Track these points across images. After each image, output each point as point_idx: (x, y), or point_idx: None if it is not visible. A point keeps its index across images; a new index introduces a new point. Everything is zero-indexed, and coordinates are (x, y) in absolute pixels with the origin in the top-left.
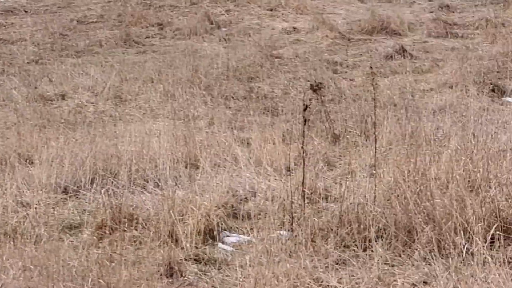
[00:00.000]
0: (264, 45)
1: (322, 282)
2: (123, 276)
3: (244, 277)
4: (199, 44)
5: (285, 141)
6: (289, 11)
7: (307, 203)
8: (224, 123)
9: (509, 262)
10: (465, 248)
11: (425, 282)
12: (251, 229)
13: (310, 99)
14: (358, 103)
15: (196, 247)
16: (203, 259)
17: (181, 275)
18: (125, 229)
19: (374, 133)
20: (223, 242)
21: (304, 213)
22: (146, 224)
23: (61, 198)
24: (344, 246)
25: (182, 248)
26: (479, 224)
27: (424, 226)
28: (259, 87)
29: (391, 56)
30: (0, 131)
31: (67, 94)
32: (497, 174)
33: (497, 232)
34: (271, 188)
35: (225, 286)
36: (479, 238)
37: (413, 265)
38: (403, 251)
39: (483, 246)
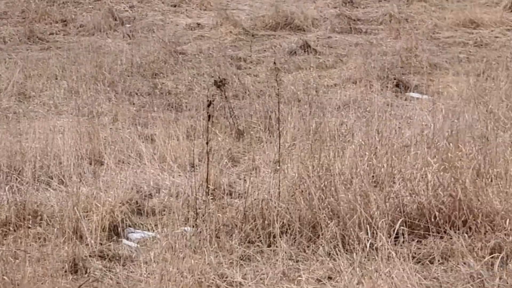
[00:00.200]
0: (168, 41)
1: (226, 278)
2: (27, 273)
3: (149, 273)
4: (103, 40)
5: (189, 137)
6: (193, 7)
7: (211, 199)
8: (128, 120)
9: (413, 257)
10: (369, 243)
11: (329, 278)
12: (156, 225)
13: (214, 95)
14: (262, 99)
15: (101, 244)
16: (107, 256)
17: (86, 272)
18: (30, 226)
19: (278, 129)
20: (127, 239)
21: (208, 209)
22: (50, 221)
23: None
24: (248, 242)
25: (87, 245)
26: (383, 219)
27: (329, 222)
28: (163, 83)
29: (295, 52)
30: None
31: None
32: (401, 170)
33: (401, 227)
34: (175, 184)
35: (130, 283)
36: (383, 233)
37: (318, 260)
38: (308, 246)
39: (388, 241)
